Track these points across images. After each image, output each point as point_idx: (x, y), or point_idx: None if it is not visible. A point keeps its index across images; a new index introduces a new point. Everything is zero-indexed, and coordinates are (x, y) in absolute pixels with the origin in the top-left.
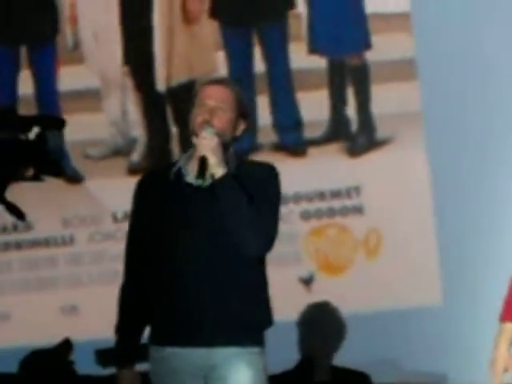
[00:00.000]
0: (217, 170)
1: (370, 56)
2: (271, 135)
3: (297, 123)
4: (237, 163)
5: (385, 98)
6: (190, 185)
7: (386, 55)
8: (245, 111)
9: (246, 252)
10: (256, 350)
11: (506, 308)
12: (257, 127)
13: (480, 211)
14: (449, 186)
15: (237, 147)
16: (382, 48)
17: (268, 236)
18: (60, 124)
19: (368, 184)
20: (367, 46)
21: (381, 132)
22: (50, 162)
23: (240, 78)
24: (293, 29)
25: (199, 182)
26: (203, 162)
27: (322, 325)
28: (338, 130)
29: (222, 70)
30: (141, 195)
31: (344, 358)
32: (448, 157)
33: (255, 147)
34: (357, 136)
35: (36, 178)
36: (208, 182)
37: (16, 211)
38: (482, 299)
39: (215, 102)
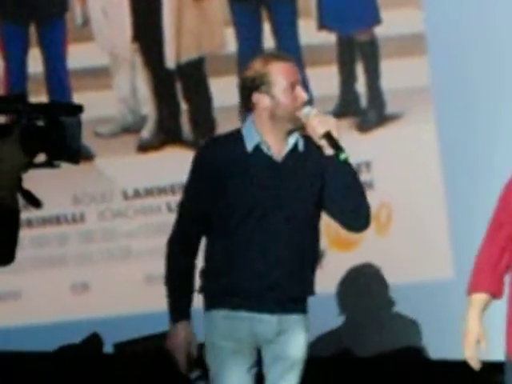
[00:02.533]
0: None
1: (379, 31)
2: None
3: (307, 99)
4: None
5: (394, 74)
6: (270, 158)
7: (396, 30)
8: None
9: (354, 226)
10: (306, 315)
11: (473, 280)
12: None
13: (490, 184)
14: (459, 161)
15: None
16: (391, 23)
17: (369, 211)
18: (77, 110)
19: (378, 159)
20: (376, 21)
21: (390, 107)
22: (67, 148)
23: (249, 54)
24: (302, 4)
25: (343, 155)
26: (331, 137)
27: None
28: (347, 106)
29: (231, 46)
30: (211, 165)
31: None
32: (458, 131)
33: None
34: (367, 111)
35: (49, 164)
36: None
37: (32, 199)
38: None
39: (298, 78)
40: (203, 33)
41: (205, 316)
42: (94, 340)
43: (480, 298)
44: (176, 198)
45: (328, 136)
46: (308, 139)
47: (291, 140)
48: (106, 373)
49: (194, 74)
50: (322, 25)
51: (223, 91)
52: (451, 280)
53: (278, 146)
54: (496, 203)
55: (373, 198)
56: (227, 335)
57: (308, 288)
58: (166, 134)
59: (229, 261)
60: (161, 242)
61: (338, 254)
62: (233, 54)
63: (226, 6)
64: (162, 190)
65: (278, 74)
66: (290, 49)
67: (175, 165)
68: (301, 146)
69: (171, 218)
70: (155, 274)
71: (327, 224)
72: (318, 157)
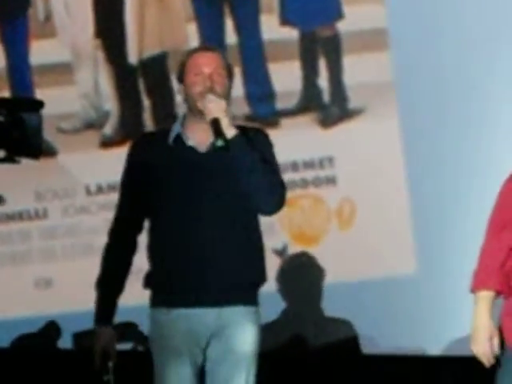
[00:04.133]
0: (229, 130)
1: (342, 26)
2: (244, 106)
3: (269, 94)
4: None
5: (357, 69)
6: (192, 148)
7: (358, 25)
8: (231, 74)
9: (264, 210)
10: (256, 308)
11: (479, 277)
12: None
13: (454, 180)
14: (422, 156)
15: None
16: (354, 18)
17: (282, 194)
18: (38, 106)
19: (341, 154)
20: (339, 16)
21: (353, 102)
22: (28, 143)
23: None
24: (264, 0)
25: (219, 142)
26: (217, 123)
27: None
28: (310, 101)
29: (194, 41)
30: (137, 157)
31: None
32: (421, 126)
33: None
34: (329, 107)
35: (9, 159)
36: (222, 143)
37: None
38: (457, 267)
39: (212, 69)
40: (165, 28)
41: (150, 313)
42: (52, 328)
43: (488, 295)
44: None
45: (215, 122)
46: (240, 128)
47: None
48: (64, 363)
49: (157, 70)
50: (285, 20)
51: None
52: (414, 274)
53: (201, 137)
54: (495, 201)
55: (336, 193)
56: (167, 334)
57: (253, 277)
58: (129, 130)
59: (163, 256)
60: None
61: (301, 249)
62: None
63: (189, 1)
64: None
65: (190, 62)
66: (252, 44)
67: None
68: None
69: None
70: None
71: (290, 219)
72: (255, 139)
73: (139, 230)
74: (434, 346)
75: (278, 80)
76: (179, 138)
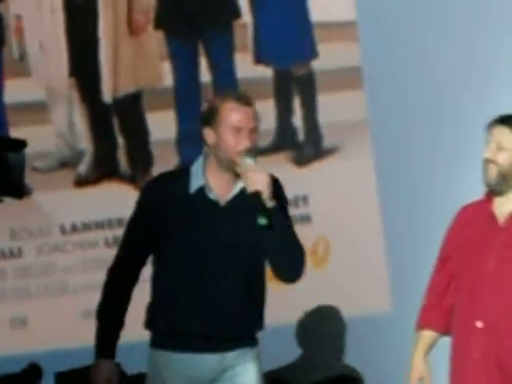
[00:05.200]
0: (268, 202)
1: (316, 65)
2: None
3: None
4: None
5: (331, 107)
6: (213, 202)
7: (332, 64)
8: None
9: (292, 276)
10: (256, 347)
11: (421, 316)
12: None
13: (428, 217)
14: (396, 194)
15: (185, 159)
16: (328, 57)
17: (304, 262)
18: (21, 145)
19: (315, 193)
20: (313, 55)
21: (328, 141)
22: (11, 183)
23: (187, 88)
24: (239, 39)
25: (263, 221)
26: (259, 198)
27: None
28: (284, 140)
29: (168, 80)
30: (155, 198)
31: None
32: (395, 164)
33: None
34: (304, 145)
35: None
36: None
37: None
38: None
39: (251, 127)
40: (140, 67)
41: (150, 353)
42: (33, 369)
43: (427, 334)
44: (114, 233)
45: (255, 196)
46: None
47: (239, 184)
48: None
49: (131, 109)
50: (259, 59)
51: (160, 125)
52: (389, 313)
53: (223, 188)
54: (443, 239)
55: (310, 232)
56: (166, 376)
57: (255, 325)
58: (103, 169)
59: (170, 301)
60: (98, 276)
61: (276, 288)
62: (170, 88)
63: (163, 40)
64: (99, 225)
65: (228, 113)
66: (226, 83)
67: (112, 199)
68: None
69: (109, 253)
70: (92, 309)
71: None
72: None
73: (142, 267)
74: None
75: None
76: (201, 189)
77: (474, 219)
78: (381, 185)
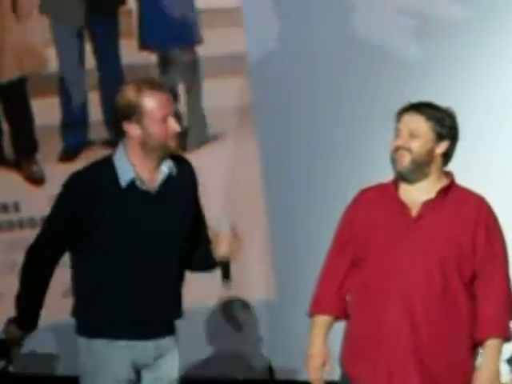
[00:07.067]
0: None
1: (202, 51)
2: (102, 131)
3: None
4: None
5: (216, 93)
6: (145, 192)
7: (218, 50)
8: None
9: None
10: (176, 336)
11: (314, 301)
12: (88, 123)
13: (308, 200)
14: (279, 177)
15: (69, 144)
16: (214, 43)
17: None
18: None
19: (200, 179)
20: (198, 41)
21: (213, 127)
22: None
23: (71, 74)
24: (124, 25)
25: (225, 282)
26: (227, 267)
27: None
28: None
29: (53, 65)
30: (84, 191)
31: (192, 354)
32: (278, 148)
33: (86, 143)
34: (188, 131)
35: None
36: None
37: None
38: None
39: (172, 108)
40: (24, 52)
41: (83, 343)
42: None
43: (324, 319)
44: None
45: (225, 266)
46: (178, 159)
47: (164, 168)
48: None
49: (15, 94)
50: (144, 45)
51: (44, 111)
52: (272, 301)
53: (150, 176)
54: (338, 223)
55: None
56: (107, 364)
57: (180, 311)
58: None
59: (105, 291)
60: None
61: None
62: (54, 74)
63: (48, 25)
64: None
65: (150, 104)
66: (111, 69)
67: None
68: (174, 172)
69: None
70: None
71: None
72: (189, 175)
73: (61, 256)
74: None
75: None
76: (132, 182)
77: (380, 201)
78: (265, 169)
